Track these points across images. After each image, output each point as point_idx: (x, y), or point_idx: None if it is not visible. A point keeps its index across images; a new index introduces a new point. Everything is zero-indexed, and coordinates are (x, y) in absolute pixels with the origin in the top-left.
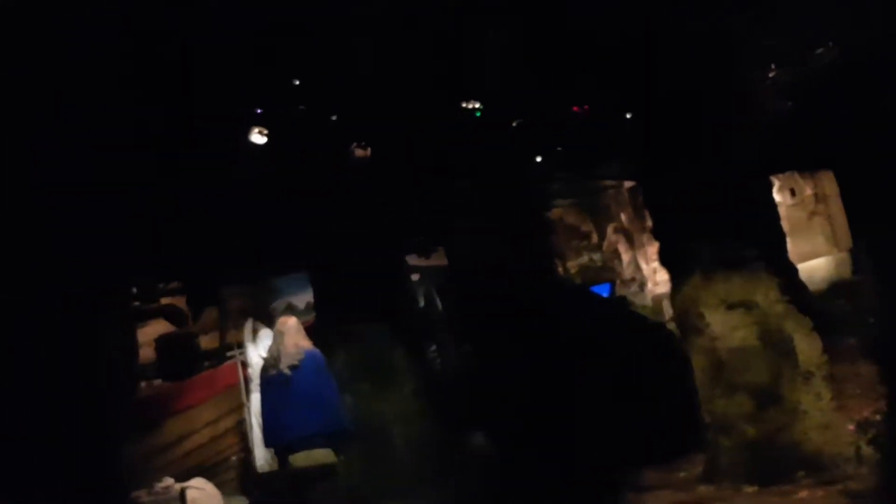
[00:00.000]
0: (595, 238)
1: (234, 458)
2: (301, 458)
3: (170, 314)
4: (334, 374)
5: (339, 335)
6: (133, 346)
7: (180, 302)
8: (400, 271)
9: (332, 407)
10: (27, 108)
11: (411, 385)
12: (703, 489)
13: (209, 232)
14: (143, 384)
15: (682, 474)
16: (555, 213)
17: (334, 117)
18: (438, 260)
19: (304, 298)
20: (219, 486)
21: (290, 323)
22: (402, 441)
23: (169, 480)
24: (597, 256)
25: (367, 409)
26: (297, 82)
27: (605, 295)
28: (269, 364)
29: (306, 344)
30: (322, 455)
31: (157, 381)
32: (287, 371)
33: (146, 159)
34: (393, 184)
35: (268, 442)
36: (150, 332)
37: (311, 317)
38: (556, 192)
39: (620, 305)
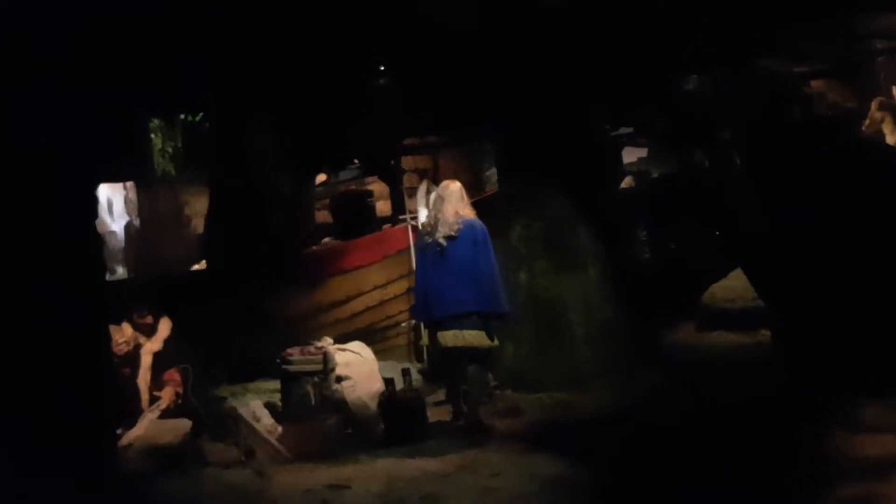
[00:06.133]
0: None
1: (404, 324)
2: (450, 338)
3: (383, 173)
4: (509, 248)
5: (518, 206)
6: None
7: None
8: (600, 142)
9: (488, 285)
10: None
11: (598, 268)
12: None
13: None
14: (325, 240)
15: None
16: (815, 86)
17: None
18: None
19: None
20: (387, 351)
21: (453, 188)
22: (580, 328)
23: (328, 340)
24: None
25: (542, 289)
26: None
27: None
28: (425, 231)
29: (468, 213)
30: (474, 337)
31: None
32: (442, 241)
33: None
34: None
35: (416, 315)
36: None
37: None
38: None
39: None
